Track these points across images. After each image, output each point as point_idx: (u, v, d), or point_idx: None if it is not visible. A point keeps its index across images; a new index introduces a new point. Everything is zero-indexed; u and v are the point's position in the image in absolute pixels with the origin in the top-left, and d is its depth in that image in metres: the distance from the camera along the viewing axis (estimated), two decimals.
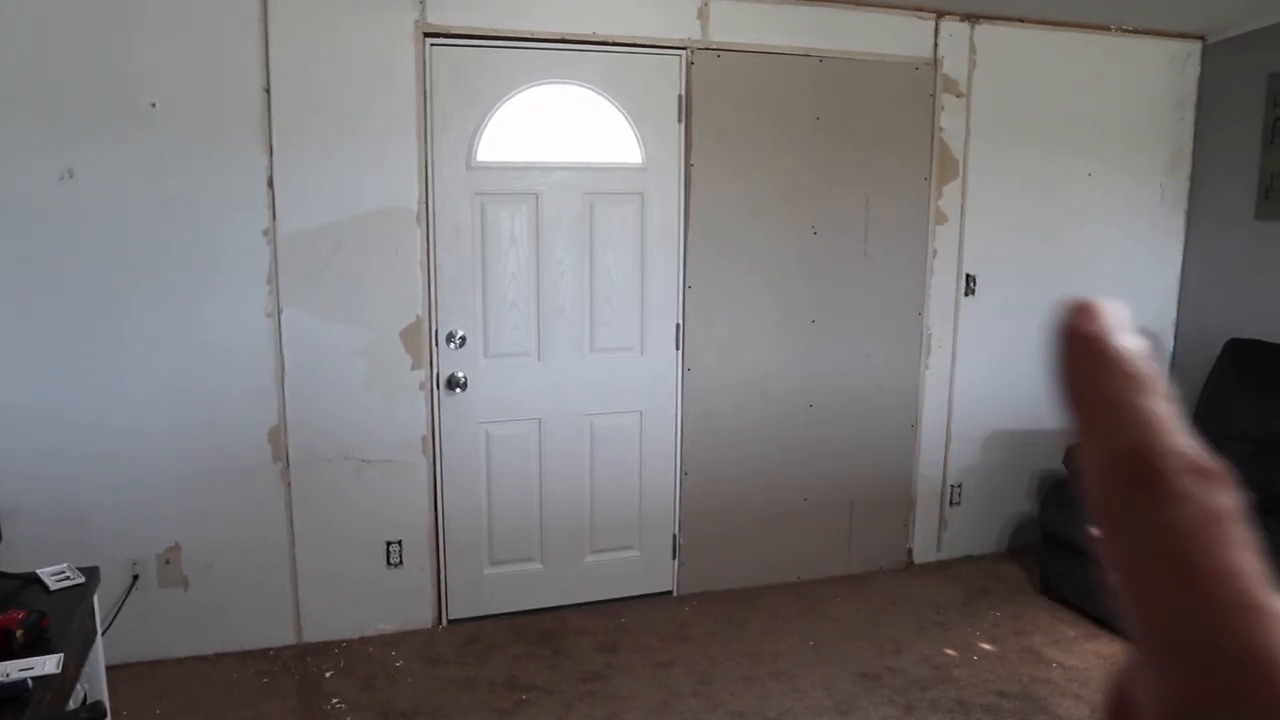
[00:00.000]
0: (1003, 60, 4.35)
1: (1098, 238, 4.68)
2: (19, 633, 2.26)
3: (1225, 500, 0.27)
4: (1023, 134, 4.44)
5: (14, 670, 2.16)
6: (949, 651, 3.78)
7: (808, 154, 4.11)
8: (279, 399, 3.58)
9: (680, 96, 3.89)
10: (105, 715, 2.17)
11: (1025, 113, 4.43)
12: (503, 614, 4.01)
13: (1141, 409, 0.28)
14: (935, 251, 4.40)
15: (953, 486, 4.66)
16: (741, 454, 4.23)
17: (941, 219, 4.38)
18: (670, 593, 4.26)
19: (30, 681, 2.09)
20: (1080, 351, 0.29)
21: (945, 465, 4.63)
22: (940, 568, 4.63)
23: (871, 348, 4.36)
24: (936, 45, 4.22)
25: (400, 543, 3.82)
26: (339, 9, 3.46)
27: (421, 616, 3.90)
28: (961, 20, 4.24)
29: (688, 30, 3.85)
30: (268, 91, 3.41)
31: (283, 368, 3.57)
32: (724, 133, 3.97)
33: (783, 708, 3.36)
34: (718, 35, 3.89)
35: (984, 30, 4.28)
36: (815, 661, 3.69)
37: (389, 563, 3.82)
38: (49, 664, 2.20)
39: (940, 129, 4.30)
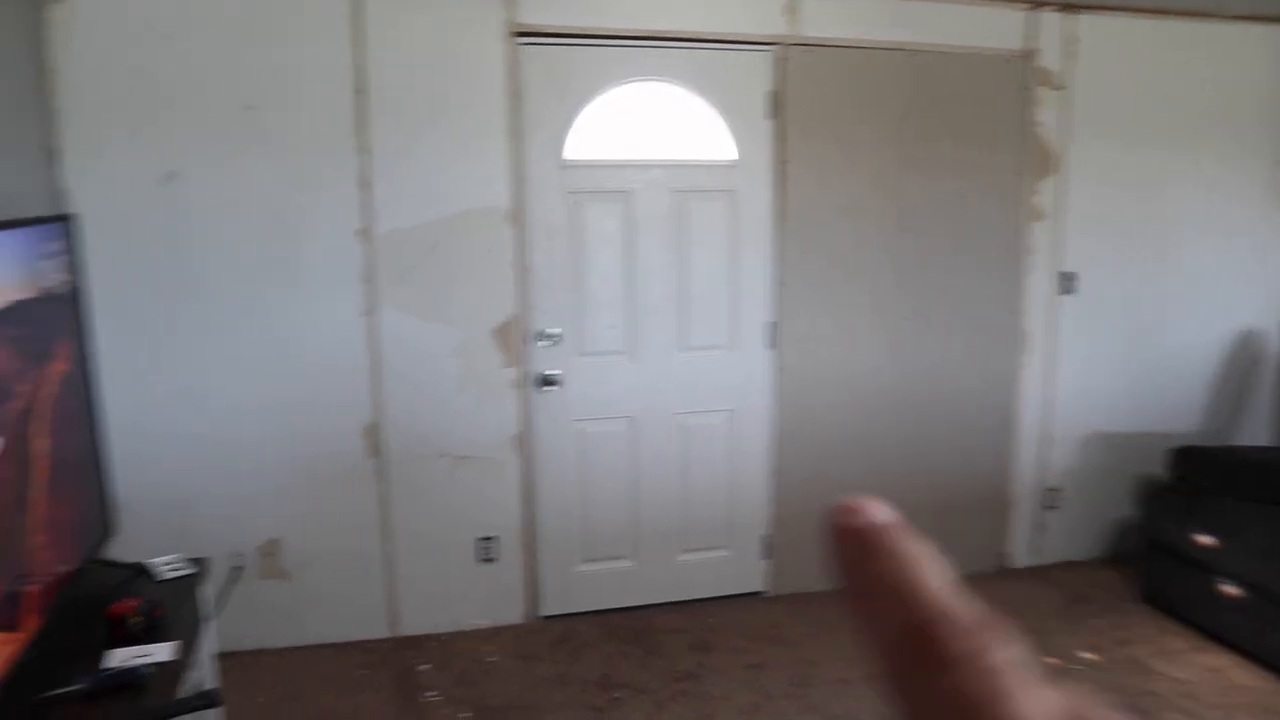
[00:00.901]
0: (1103, 51, 4.24)
1: (1204, 233, 4.54)
2: (135, 620, 2.33)
3: (1003, 656, 0.28)
4: (1124, 127, 4.33)
5: (131, 657, 2.23)
6: (1048, 659, 3.70)
7: (899, 149, 4.06)
8: (374, 397, 3.65)
9: (772, 92, 3.87)
10: (219, 703, 2.23)
11: (1127, 105, 4.32)
12: (594, 611, 4.04)
13: (912, 587, 0.30)
14: (1031, 249, 4.30)
15: (1050, 489, 4.56)
16: (833, 453, 4.20)
17: (1037, 215, 4.29)
18: (762, 593, 4.24)
19: (147, 668, 2.15)
20: (849, 546, 0.31)
21: (1043, 467, 4.53)
22: (1037, 573, 4.54)
23: (965, 346, 4.29)
24: (1032, 36, 4.13)
25: (494, 539, 3.86)
26: (430, 10, 3.52)
27: (514, 613, 3.95)
28: (1059, 10, 4.15)
29: (777, 26, 3.83)
30: (362, 93, 3.48)
31: (378, 366, 3.64)
32: (815, 128, 3.95)
33: (881, 712, 3.31)
34: (807, 30, 3.86)
35: (1084, 20, 4.19)
36: None
37: (483, 559, 3.87)
38: (163, 652, 2.27)
39: (1036, 123, 4.21)
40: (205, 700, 2.18)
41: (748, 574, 4.22)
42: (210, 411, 3.52)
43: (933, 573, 0.31)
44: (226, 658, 3.55)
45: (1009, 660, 0.29)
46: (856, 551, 0.32)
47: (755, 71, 3.85)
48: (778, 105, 3.88)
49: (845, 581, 0.32)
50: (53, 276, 2.35)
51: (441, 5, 3.53)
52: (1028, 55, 4.15)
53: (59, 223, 2.47)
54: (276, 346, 3.55)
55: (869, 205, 4.06)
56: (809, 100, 3.92)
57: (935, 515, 4.37)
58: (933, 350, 4.25)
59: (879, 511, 0.33)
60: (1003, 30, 4.11)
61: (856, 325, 4.13)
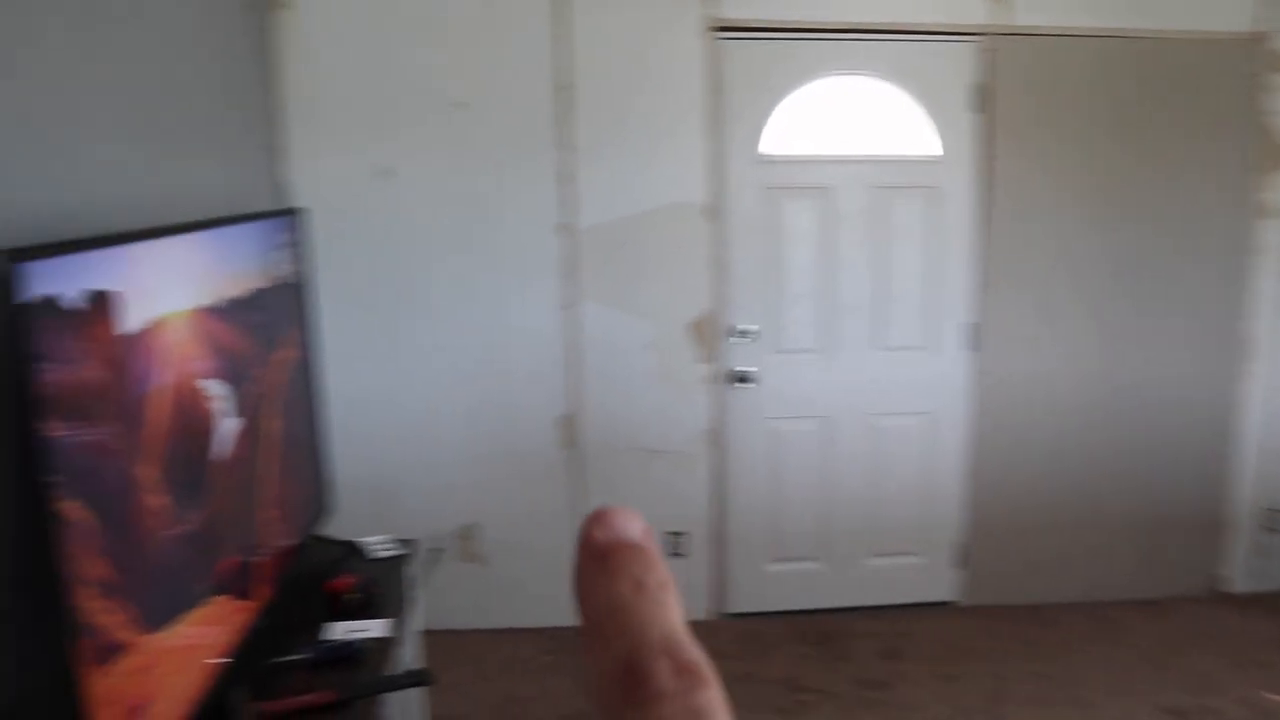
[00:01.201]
0: None
1: None
2: (352, 596, 2.45)
3: (703, 696, 0.27)
4: None
5: (348, 631, 2.35)
6: (1272, 696, 3.44)
7: (1112, 143, 3.84)
8: (571, 388, 3.72)
9: (979, 84, 3.73)
10: (431, 680, 2.33)
11: None
12: (781, 612, 4.01)
13: (640, 615, 0.29)
14: (1258, 249, 4.00)
15: (1271, 511, 4.24)
16: (1034, 461, 4.02)
17: (1267, 213, 3.98)
18: (953, 602, 4.12)
19: (363, 643, 2.26)
20: (592, 562, 0.28)
21: (1265, 486, 4.20)
22: (1256, 600, 4.22)
23: (1182, 352, 4.02)
24: (1263, 17, 3.83)
25: (683, 534, 3.89)
26: (632, 6, 3.56)
27: (701, 609, 3.96)
28: None
29: (986, 14, 3.69)
30: (564, 90, 3.55)
31: (575, 358, 3.71)
32: (1024, 122, 3.78)
33: None
34: (1017, 19, 3.70)
35: None
36: (1115, 691, 3.46)
37: (672, 553, 3.90)
38: (377, 628, 2.38)
39: (1266, 112, 3.90)
40: (418, 679, 2.27)
41: (939, 582, 4.10)
42: (415, 398, 3.68)
43: (665, 602, 0.30)
44: (425, 635, 3.71)
45: (714, 704, 0.28)
46: (596, 567, 0.31)
47: (961, 63, 3.72)
48: (984, 98, 3.74)
49: (578, 596, 0.30)
50: (284, 267, 2.50)
51: (642, 2, 3.56)
52: (1257, 38, 3.85)
53: (289, 216, 2.62)
54: (479, 337, 3.67)
55: (1080, 202, 3.86)
56: (1018, 92, 3.76)
57: (1140, 531, 4.14)
58: (1146, 355, 4.01)
59: (629, 526, 0.31)
60: (1229, 11, 3.83)
61: (1063, 328, 3.94)
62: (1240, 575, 4.26)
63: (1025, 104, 3.77)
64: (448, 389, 3.70)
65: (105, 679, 1.48)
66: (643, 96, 3.61)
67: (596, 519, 0.31)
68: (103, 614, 1.49)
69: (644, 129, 3.62)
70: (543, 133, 3.58)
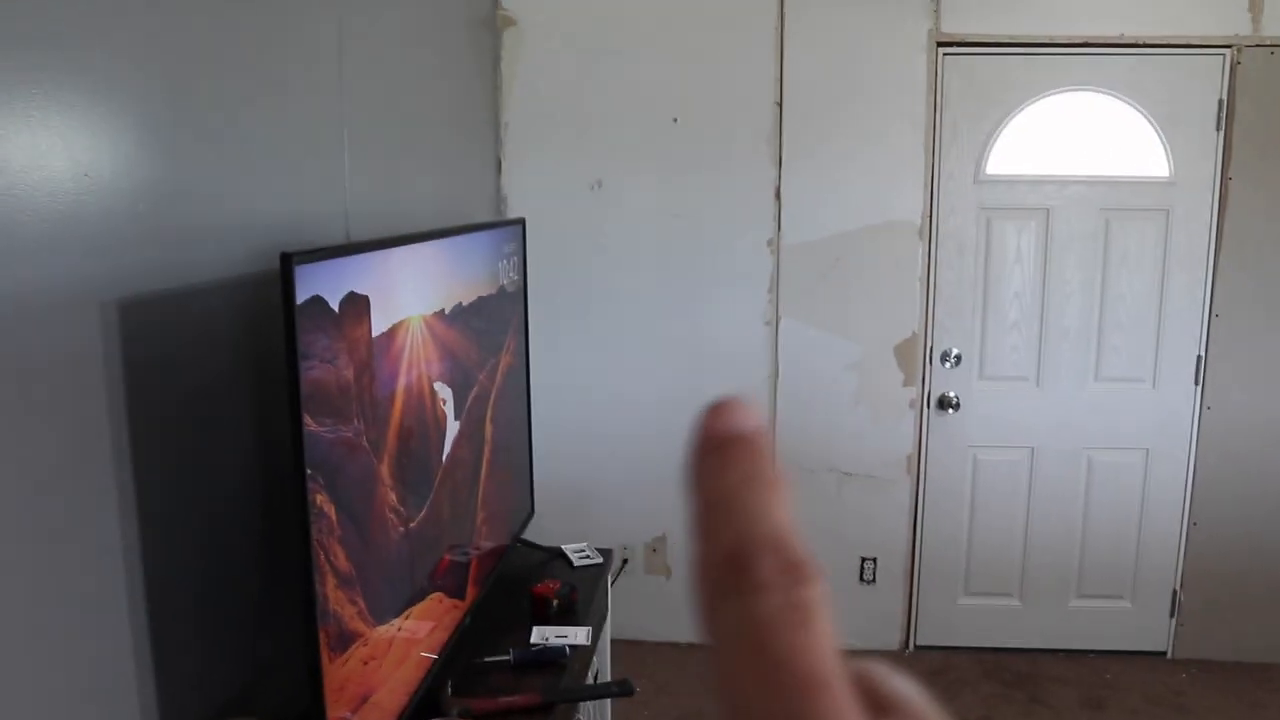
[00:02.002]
0: None
1: None
2: (555, 602, 2.50)
3: (808, 593, 0.27)
4: None
5: (552, 636, 2.39)
6: None
7: None
8: (770, 405, 3.70)
9: (1220, 101, 3.51)
10: (634, 691, 2.35)
11: None
12: (973, 648, 3.87)
13: (748, 508, 0.28)
14: None
15: None
16: (1264, 507, 3.75)
17: None
18: (1163, 654, 3.87)
19: (567, 649, 2.30)
20: (706, 452, 0.29)
21: None
22: None
23: None
24: None
25: (875, 560, 3.81)
26: (852, 23, 3.52)
27: (889, 638, 3.87)
28: None
29: (1235, 25, 3.47)
30: (779, 105, 3.53)
31: (776, 375, 3.68)
32: (1267, 142, 3.53)
33: None
34: (1269, 29, 3.46)
35: None
36: None
37: (862, 579, 3.82)
38: (580, 635, 2.42)
39: None
40: (620, 689, 2.30)
41: (1149, 630, 3.87)
42: (615, 407, 3.74)
43: (774, 500, 0.27)
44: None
45: (819, 601, 0.25)
46: (708, 456, 0.28)
47: (1203, 78, 3.51)
48: (1228, 115, 3.52)
49: (690, 485, 0.28)
50: (507, 275, 2.58)
51: (865, 15, 3.52)
52: None
53: (514, 225, 2.70)
54: (684, 348, 3.71)
55: None
56: (1261, 110, 3.52)
57: None
58: None
59: (746, 418, 0.29)
60: None
61: None
62: None
63: (1269, 123, 3.53)
64: (651, 400, 3.74)
65: (340, 667, 1.55)
66: (864, 112, 3.56)
67: (715, 409, 0.31)
68: (341, 604, 1.56)
69: (863, 145, 3.58)
70: (757, 147, 3.58)
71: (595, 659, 2.65)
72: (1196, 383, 3.68)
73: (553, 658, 2.27)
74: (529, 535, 2.97)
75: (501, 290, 2.52)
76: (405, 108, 2.66)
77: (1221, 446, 3.71)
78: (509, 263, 2.60)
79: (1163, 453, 3.74)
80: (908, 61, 3.52)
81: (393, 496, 1.76)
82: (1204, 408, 3.69)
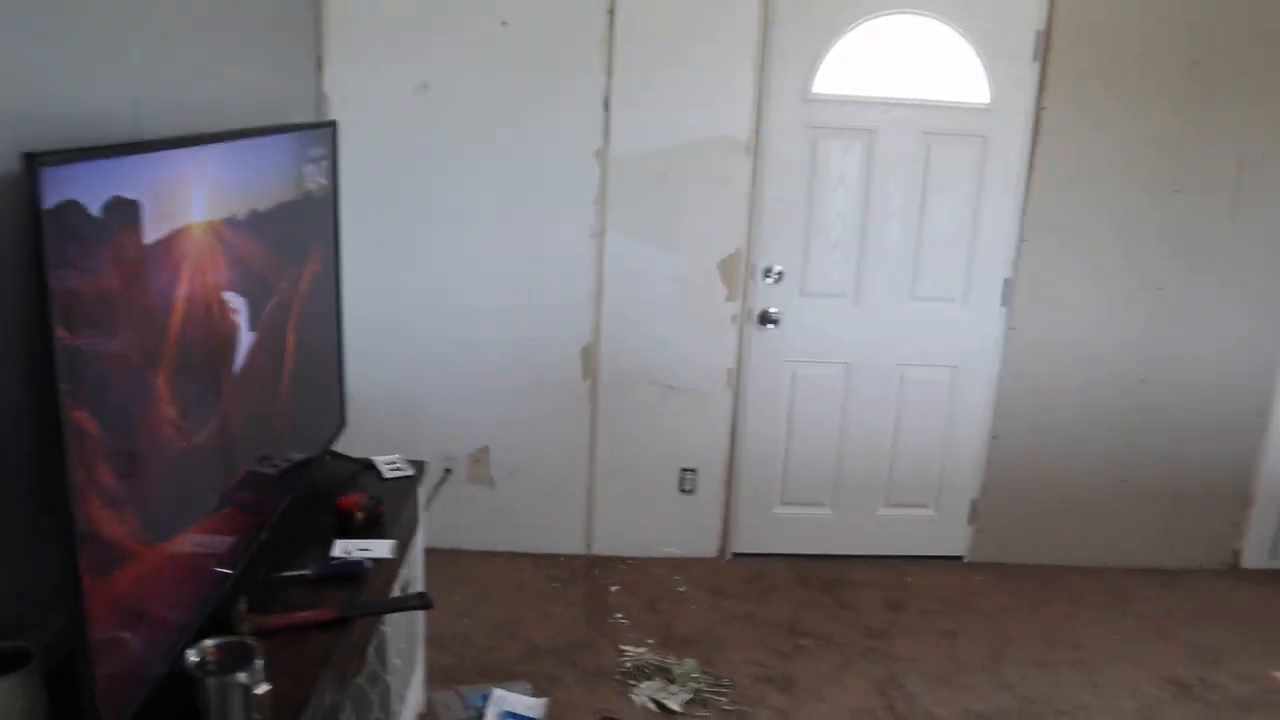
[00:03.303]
0: None
1: None
2: (360, 515, 2.48)
3: None
4: None
5: (354, 549, 2.38)
6: (1278, 674, 3.47)
7: (1178, 103, 3.75)
8: (594, 318, 3.73)
9: (1038, 32, 3.64)
10: (432, 605, 2.37)
11: None
12: (787, 555, 4.06)
13: None
14: None
15: None
16: (1058, 424, 4.02)
17: None
18: (961, 558, 4.15)
19: (368, 562, 2.29)
20: None
21: None
22: (1273, 576, 4.24)
23: (1225, 325, 3.98)
24: None
25: (695, 471, 3.93)
26: None
27: (707, 546, 4.02)
28: None
29: None
30: (611, 13, 3.49)
31: (601, 288, 3.71)
32: (1083, 74, 3.69)
33: (1077, 702, 3.22)
34: None
35: None
36: (1117, 657, 3.50)
37: (682, 489, 3.94)
38: (384, 548, 2.41)
39: None
40: (419, 601, 2.31)
41: (950, 537, 4.13)
42: (441, 317, 3.71)
43: None
44: (428, 553, 3.77)
45: None
46: None
47: (1022, 8, 3.63)
48: (1045, 47, 3.65)
49: None
50: (314, 180, 2.49)
51: None
52: None
53: (323, 129, 2.60)
54: (510, 259, 3.69)
55: (1137, 162, 3.79)
56: (1078, 42, 3.67)
57: (1161, 501, 4.16)
58: (1186, 324, 3.96)
59: None
60: None
61: (1102, 290, 3.90)
62: (1258, 551, 4.27)
63: (1084, 57, 3.68)
64: (477, 309, 3.73)
65: (108, 587, 1.51)
66: (696, 26, 3.55)
67: None
68: (109, 523, 1.51)
69: (693, 59, 3.57)
70: (587, 56, 3.53)
71: (404, 572, 2.66)
72: (1004, 304, 3.89)
73: (353, 572, 2.26)
74: (347, 447, 2.94)
75: (308, 196, 2.44)
76: None
77: (1023, 366, 3.95)
78: (317, 167, 2.51)
79: (970, 370, 3.96)
80: None
81: (171, 410, 1.70)
82: (1009, 328, 3.91)
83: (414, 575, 2.86)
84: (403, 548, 2.54)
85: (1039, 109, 3.71)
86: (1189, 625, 3.77)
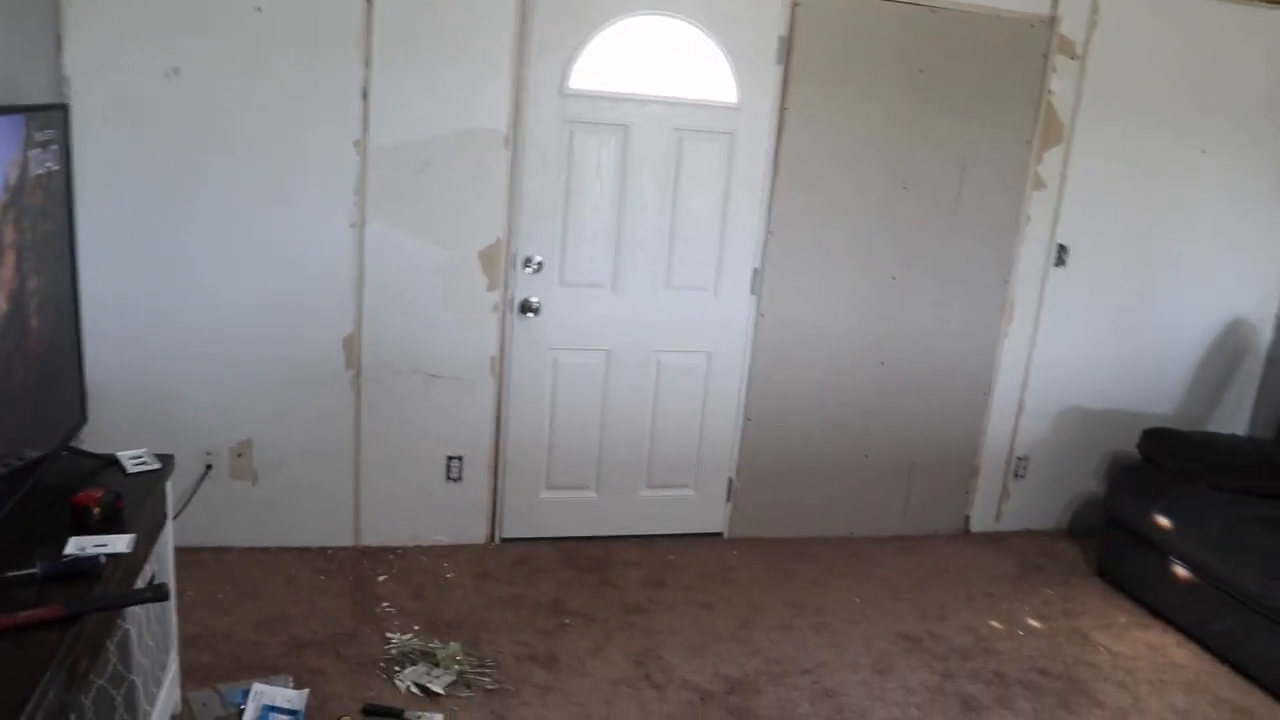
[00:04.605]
0: (1126, 23, 4.26)
1: (1205, 218, 4.62)
2: (96, 511, 2.44)
3: None
4: (1137, 103, 4.37)
5: (89, 546, 2.34)
6: (994, 624, 3.86)
7: (907, 107, 4.11)
8: (356, 308, 3.75)
9: (781, 37, 3.90)
10: (168, 596, 2.36)
11: (1143, 80, 4.36)
12: (554, 538, 4.20)
13: None
14: (1029, 217, 4.38)
15: (1019, 458, 4.71)
16: (806, 404, 4.33)
17: (1039, 184, 4.35)
18: (721, 534, 4.40)
19: (103, 558, 2.26)
20: None
21: (1014, 436, 4.67)
22: (997, 539, 4.70)
23: (951, 309, 4.39)
24: (1056, 3, 4.14)
25: (461, 459, 4.00)
26: None
27: (475, 533, 4.10)
28: None
29: None
30: (369, 2, 3.51)
31: (362, 278, 3.73)
32: (822, 78, 3.99)
33: (819, 660, 3.49)
34: None
35: None
36: (858, 618, 3.81)
37: (449, 477, 4.01)
38: (121, 543, 2.38)
39: (1049, 91, 4.25)
40: (154, 594, 2.29)
41: (709, 515, 4.38)
42: (198, 307, 3.63)
43: None
44: (191, 553, 3.71)
45: None
46: None
47: (768, 14, 3.88)
48: (787, 51, 3.91)
49: None
50: (43, 165, 2.42)
51: None
52: (1051, 21, 4.16)
53: (52, 111, 2.53)
54: (268, 249, 3.64)
55: (869, 160, 4.12)
56: (820, 49, 3.96)
57: (901, 474, 4.53)
58: (917, 310, 4.34)
59: None
60: None
61: (842, 279, 4.22)
62: (985, 516, 4.72)
63: (823, 61, 3.97)
64: (234, 301, 3.66)
65: None
66: (455, 17, 3.60)
67: None
68: None
69: (453, 51, 3.63)
70: (344, 45, 3.53)
71: (151, 568, 2.63)
72: (753, 292, 4.15)
73: (86, 568, 2.22)
74: (100, 444, 2.86)
75: (34, 182, 2.37)
76: None
77: (771, 350, 4.23)
78: (45, 151, 2.44)
79: (723, 355, 4.20)
80: None
81: None
82: (759, 315, 4.17)
83: (164, 572, 2.82)
84: (147, 543, 2.51)
85: (782, 109, 3.97)
86: (922, 586, 4.14)
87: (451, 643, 3.37)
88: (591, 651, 3.42)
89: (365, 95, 3.58)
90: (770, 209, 4.06)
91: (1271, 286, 4.81)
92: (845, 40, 3.97)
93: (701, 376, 4.20)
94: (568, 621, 3.60)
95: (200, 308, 3.63)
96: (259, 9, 3.45)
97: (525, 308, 3.91)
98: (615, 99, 3.82)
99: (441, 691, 3.10)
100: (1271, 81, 4.51)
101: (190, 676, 3.03)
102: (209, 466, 3.79)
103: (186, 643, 3.08)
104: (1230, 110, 4.50)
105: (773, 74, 3.94)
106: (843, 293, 4.24)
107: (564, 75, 3.74)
